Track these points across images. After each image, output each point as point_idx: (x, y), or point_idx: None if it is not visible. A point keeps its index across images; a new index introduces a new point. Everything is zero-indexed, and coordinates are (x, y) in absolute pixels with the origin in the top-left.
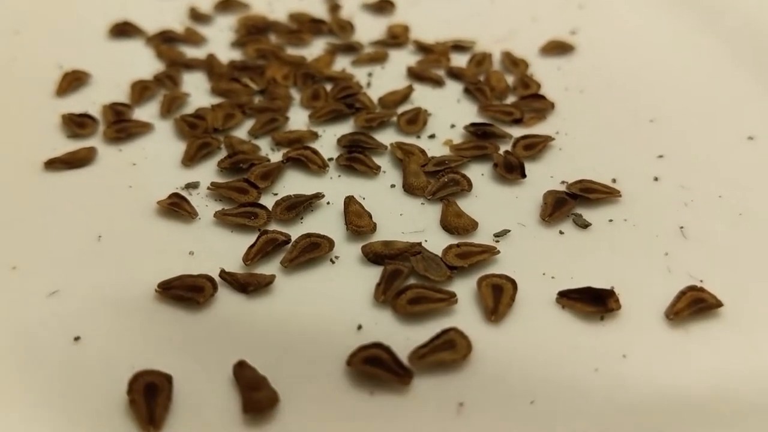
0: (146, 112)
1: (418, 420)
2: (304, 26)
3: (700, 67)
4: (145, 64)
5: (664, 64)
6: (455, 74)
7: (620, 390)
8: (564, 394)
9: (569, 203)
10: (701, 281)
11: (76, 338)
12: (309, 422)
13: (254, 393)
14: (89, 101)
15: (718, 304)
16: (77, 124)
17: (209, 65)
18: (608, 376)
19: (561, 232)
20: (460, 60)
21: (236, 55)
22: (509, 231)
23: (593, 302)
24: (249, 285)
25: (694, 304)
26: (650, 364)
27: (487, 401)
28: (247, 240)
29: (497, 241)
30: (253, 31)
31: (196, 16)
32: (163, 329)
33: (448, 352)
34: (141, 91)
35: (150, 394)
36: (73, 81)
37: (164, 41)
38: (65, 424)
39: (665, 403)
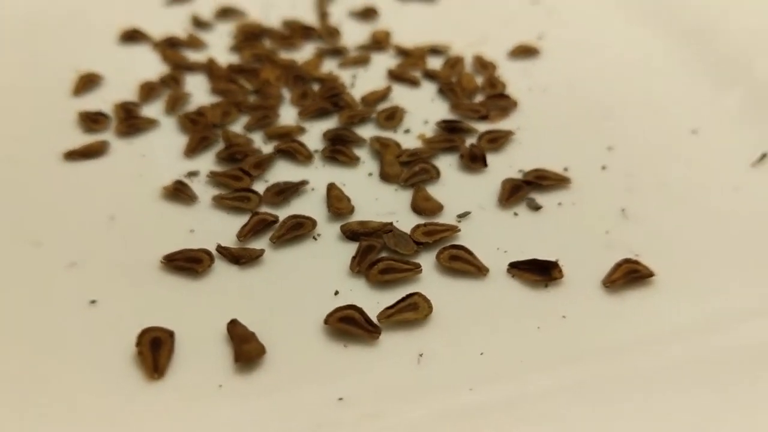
0: (153, 110)
1: (384, 368)
2: (296, 32)
3: (652, 68)
4: (152, 66)
5: (619, 65)
6: (431, 75)
7: (559, 345)
8: (509, 347)
9: (524, 189)
10: (637, 255)
11: (92, 301)
12: (291, 370)
13: (244, 345)
14: (102, 100)
15: (650, 274)
16: (92, 120)
17: (209, 68)
18: (549, 333)
19: (515, 214)
20: (435, 62)
21: (234, 58)
22: (470, 213)
23: (539, 272)
24: (241, 257)
25: (628, 274)
26: (587, 324)
27: (442, 353)
28: (240, 220)
29: (459, 221)
30: (250, 36)
31: (198, 22)
32: (167, 294)
33: (411, 312)
34: (148, 91)
35: (155, 346)
36: (87, 82)
37: (169, 46)
38: (83, 372)
39: (599, 357)
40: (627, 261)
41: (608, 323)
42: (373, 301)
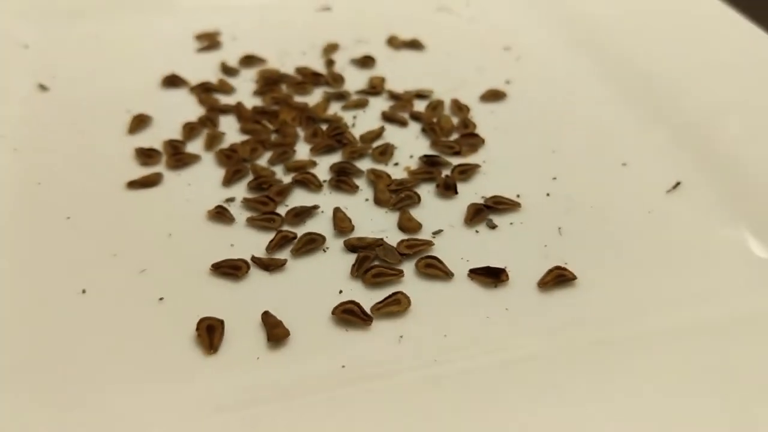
0: (195, 147)
1: (375, 346)
2: (307, 78)
3: (594, 109)
4: (191, 109)
5: (568, 106)
6: (416, 117)
7: (502, 330)
8: (466, 331)
9: (484, 212)
10: (566, 263)
11: (161, 299)
12: (308, 346)
13: (274, 329)
14: (153, 138)
15: (574, 277)
16: (146, 155)
17: (238, 110)
18: (495, 321)
19: (477, 231)
20: (420, 105)
21: (257, 101)
22: (442, 230)
23: (491, 276)
24: (270, 265)
25: (557, 278)
26: (523, 314)
27: (417, 335)
28: (268, 236)
29: (434, 237)
30: (270, 82)
31: (226, 69)
32: (216, 292)
33: (395, 306)
34: (190, 130)
35: (210, 331)
36: (139, 123)
37: (204, 91)
38: (158, 351)
39: (532, 339)
40: (557, 268)
41: (539, 314)
42: (368, 298)
